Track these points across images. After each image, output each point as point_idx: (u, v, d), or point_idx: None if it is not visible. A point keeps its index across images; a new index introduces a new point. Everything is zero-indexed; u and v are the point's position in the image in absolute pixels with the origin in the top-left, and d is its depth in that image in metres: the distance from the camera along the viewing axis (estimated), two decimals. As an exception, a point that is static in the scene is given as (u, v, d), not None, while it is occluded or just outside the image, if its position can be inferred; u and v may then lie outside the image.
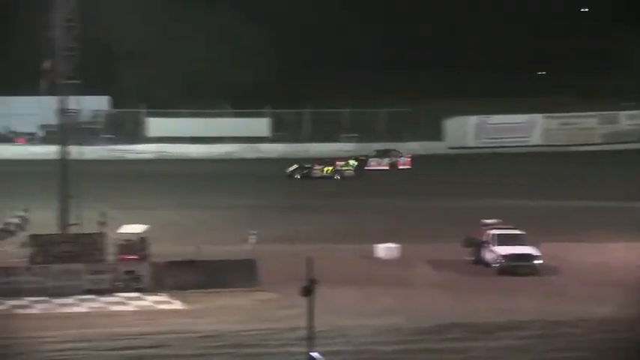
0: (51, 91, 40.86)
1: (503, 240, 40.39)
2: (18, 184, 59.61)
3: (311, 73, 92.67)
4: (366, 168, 69.55)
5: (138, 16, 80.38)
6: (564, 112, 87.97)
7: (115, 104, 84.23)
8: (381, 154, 72.21)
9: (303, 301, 24.23)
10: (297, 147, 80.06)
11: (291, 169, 65.81)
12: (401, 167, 71.34)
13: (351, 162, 67.18)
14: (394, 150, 73.41)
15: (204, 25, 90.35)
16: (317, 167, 66.18)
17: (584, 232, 46.85)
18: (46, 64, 39.87)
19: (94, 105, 77.75)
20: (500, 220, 42.12)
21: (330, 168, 66.21)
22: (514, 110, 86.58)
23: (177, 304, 35.45)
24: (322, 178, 65.35)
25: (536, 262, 39.57)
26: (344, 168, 66.48)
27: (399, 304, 34.86)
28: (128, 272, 37.23)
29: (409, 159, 71.93)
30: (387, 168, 71.06)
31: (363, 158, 70.23)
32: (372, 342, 30.12)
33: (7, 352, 29.17)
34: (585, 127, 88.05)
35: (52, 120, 47.06)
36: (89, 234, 38.61)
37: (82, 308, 35.17)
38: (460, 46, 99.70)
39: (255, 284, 37.03)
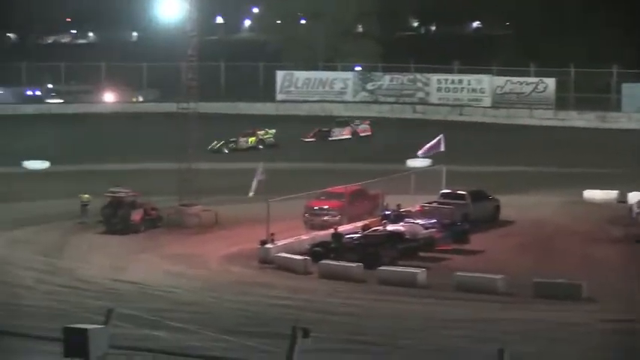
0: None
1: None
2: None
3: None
4: (330, 138, 70.79)
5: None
6: None
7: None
8: (342, 123, 73.06)
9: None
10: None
11: (215, 144, 66.03)
12: (362, 134, 72.20)
13: (270, 131, 68.06)
14: (354, 119, 74.45)
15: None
16: (242, 139, 67.18)
17: None
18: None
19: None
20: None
21: (254, 138, 67.58)
22: None
23: None
24: (248, 149, 66.41)
25: None
26: (265, 137, 67.82)
27: None
28: None
29: (368, 126, 72.63)
30: (349, 137, 71.97)
31: (326, 129, 71.35)
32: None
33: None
34: None
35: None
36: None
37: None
38: None
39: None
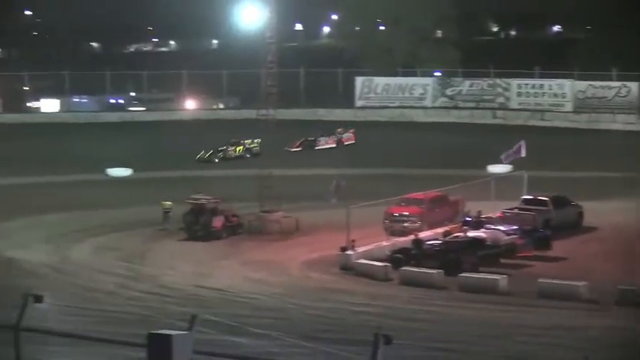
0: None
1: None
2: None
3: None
4: (316, 148, 70.83)
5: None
6: None
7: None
8: (327, 132, 72.84)
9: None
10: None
11: (204, 154, 66.13)
12: (346, 143, 72.01)
13: (256, 140, 67.47)
14: (338, 128, 73.95)
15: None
16: (230, 148, 67.52)
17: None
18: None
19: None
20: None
21: (241, 147, 67.81)
22: None
23: None
24: (236, 158, 66.63)
25: None
26: (252, 146, 67.74)
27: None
28: None
29: (352, 134, 72.40)
30: (334, 145, 71.78)
31: (312, 139, 71.26)
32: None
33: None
34: None
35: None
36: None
37: None
38: None
39: None
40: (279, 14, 49.09)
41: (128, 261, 41.16)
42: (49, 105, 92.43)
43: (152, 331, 12.28)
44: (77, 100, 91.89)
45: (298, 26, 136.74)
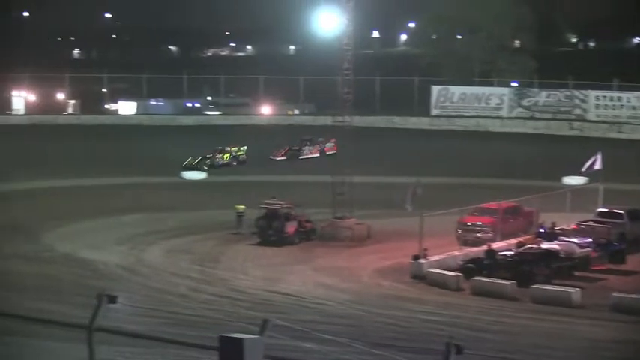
0: None
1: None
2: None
3: None
4: (300, 157, 70.63)
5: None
6: None
7: None
8: (309, 142, 72.49)
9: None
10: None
11: (191, 160, 65.67)
12: (328, 153, 71.24)
13: (242, 148, 68.09)
14: (319, 138, 73.24)
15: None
16: (218, 156, 67.36)
17: None
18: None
19: None
20: None
21: (228, 155, 67.77)
22: None
23: None
24: (223, 165, 66.65)
25: None
26: (239, 154, 67.97)
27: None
28: None
29: (334, 144, 71.72)
30: (317, 155, 71.54)
31: (296, 148, 71.07)
32: None
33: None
34: None
35: None
36: None
37: None
38: None
39: None
40: (357, 22, 49.18)
41: (201, 264, 41.47)
42: (126, 107, 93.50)
43: (223, 334, 12.36)
44: (154, 102, 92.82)
45: (375, 34, 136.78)
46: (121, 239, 45.59)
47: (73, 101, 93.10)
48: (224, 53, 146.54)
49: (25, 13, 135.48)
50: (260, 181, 59.24)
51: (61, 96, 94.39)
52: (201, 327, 29.35)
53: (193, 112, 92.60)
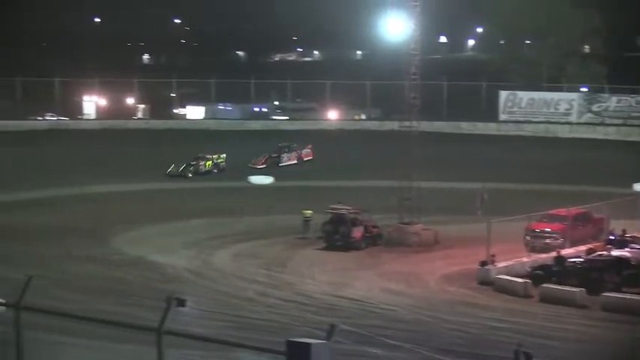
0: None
1: None
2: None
3: None
4: (280, 164, 70.33)
5: None
6: None
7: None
8: (287, 149, 72.07)
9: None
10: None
11: (175, 168, 65.65)
12: (305, 159, 71.52)
13: (222, 155, 67.82)
14: (295, 144, 73.18)
15: None
16: (201, 163, 67.22)
17: None
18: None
19: None
20: None
21: (210, 162, 67.59)
22: None
23: None
24: (206, 173, 66.52)
25: None
26: (219, 161, 67.75)
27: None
28: None
29: (310, 150, 71.85)
30: (295, 162, 71.20)
31: (275, 155, 70.80)
32: None
33: None
34: None
35: None
36: None
37: None
38: None
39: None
40: (424, 26, 49.05)
41: (268, 268, 41.58)
42: (195, 112, 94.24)
43: (291, 339, 12.37)
44: (222, 107, 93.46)
45: (442, 39, 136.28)
46: (189, 243, 45.90)
47: (142, 106, 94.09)
48: (291, 58, 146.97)
49: (97, 19, 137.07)
50: (326, 186, 59.24)
51: (130, 101, 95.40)
52: (268, 331, 29.41)
53: (261, 116, 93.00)
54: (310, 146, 73.15)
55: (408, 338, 28.49)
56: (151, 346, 13.13)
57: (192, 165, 66.74)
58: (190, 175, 65.67)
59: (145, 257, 43.02)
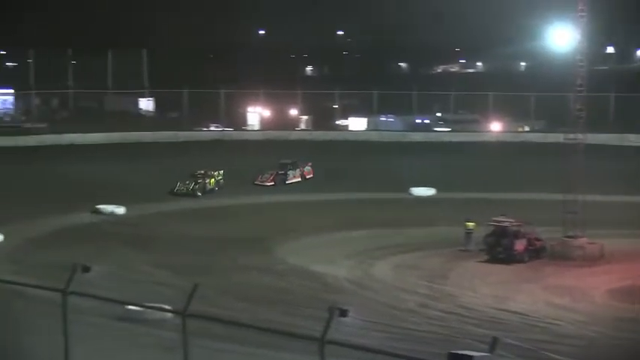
0: None
1: None
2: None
3: None
4: (287, 182, 67.80)
5: None
6: None
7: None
8: (291, 166, 69.27)
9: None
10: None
11: (181, 186, 63.12)
12: (308, 177, 69.20)
13: (221, 172, 65.17)
14: (297, 161, 70.08)
15: None
16: (207, 181, 64.62)
17: None
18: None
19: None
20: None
21: (213, 180, 64.98)
22: None
23: None
24: (210, 191, 63.89)
25: None
26: (220, 178, 65.11)
27: None
28: None
29: (310, 167, 69.69)
30: (299, 179, 68.74)
31: (282, 172, 68.22)
32: None
33: None
34: None
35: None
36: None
37: None
38: None
39: None
40: (591, 37, 48.20)
41: (429, 280, 41.48)
42: (357, 123, 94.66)
43: (452, 351, 12.35)
44: (384, 119, 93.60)
45: (610, 49, 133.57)
46: (350, 254, 46.14)
47: (305, 117, 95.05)
48: (454, 69, 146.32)
49: (262, 31, 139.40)
50: (489, 198, 58.65)
51: (293, 112, 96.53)
52: (429, 343, 29.35)
53: (422, 128, 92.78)
54: (310, 164, 72.12)
55: (573, 354, 28.05)
56: (313, 356, 13.26)
57: (199, 183, 64.72)
58: (199, 194, 63.76)
59: (307, 267, 43.46)
